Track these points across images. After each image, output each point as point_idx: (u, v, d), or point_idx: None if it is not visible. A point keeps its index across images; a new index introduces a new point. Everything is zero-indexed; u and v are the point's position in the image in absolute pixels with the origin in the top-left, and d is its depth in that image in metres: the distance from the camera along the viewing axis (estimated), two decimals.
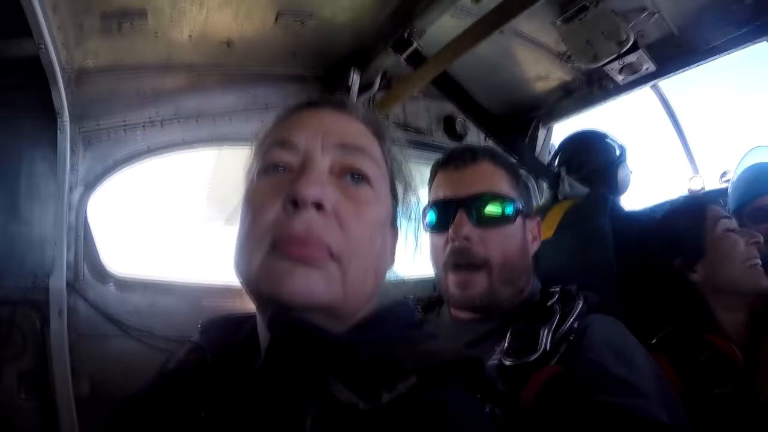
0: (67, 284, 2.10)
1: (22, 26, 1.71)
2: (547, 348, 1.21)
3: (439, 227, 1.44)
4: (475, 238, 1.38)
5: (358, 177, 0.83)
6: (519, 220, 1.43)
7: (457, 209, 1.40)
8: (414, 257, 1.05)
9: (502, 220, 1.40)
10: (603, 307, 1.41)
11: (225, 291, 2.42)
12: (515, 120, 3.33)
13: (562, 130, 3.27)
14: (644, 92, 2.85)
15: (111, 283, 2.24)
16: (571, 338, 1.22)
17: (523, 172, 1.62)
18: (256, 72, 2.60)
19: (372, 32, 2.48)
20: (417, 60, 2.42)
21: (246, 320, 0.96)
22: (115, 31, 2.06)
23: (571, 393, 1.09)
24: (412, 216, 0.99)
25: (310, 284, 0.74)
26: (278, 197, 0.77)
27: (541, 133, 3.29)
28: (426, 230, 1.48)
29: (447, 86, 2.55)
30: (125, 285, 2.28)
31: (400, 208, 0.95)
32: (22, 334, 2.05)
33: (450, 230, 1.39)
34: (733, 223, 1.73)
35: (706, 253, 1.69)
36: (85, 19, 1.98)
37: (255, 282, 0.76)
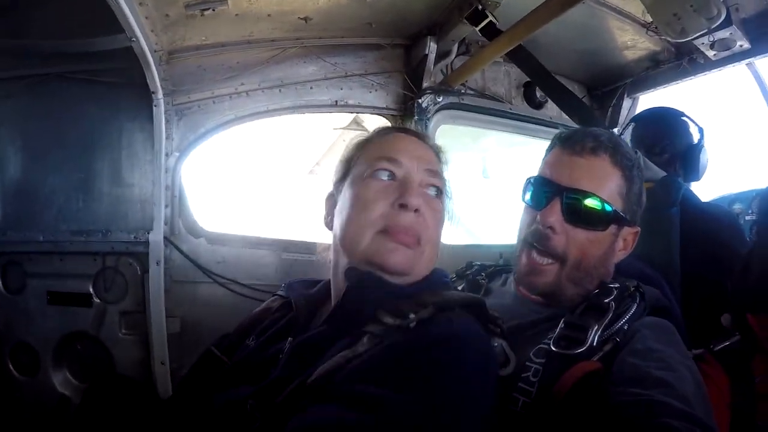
0: (164, 238, 2.26)
1: (115, 23, 1.82)
2: (594, 344, 1.18)
3: (532, 204, 1.40)
4: (559, 230, 1.33)
5: (436, 191, 1.21)
6: (612, 228, 1.36)
7: (554, 196, 1.33)
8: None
9: (594, 224, 1.33)
10: (660, 305, 1.34)
11: (302, 245, 2.51)
12: (599, 89, 3.07)
13: (648, 102, 2.95)
14: (739, 69, 2.46)
15: (202, 237, 2.38)
16: (618, 340, 1.19)
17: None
18: (335, 43, 2.55)
19: (446, 4, 2.34)
20: (492, 32, 2.25)
21: (316, 282, 1.36)
22: (199, 17, 2.08)
23: (608, 387, 1.08)
24: (454, 214, 1.32)
25: (406, 259, 1.12)
26: (387, 197, 1.13)
27: (626, 103, 3.01)
28: (522, 199, 1.45)
29: (522, 57, 2.35)
30: (215, 239, 2.40)
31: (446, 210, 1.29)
32: (124, 279, 2.25)
33: (539, 214, 1.34)
34: None
35: None
36: (170, 9, 2.02)
37: (365, 252, 1.12)
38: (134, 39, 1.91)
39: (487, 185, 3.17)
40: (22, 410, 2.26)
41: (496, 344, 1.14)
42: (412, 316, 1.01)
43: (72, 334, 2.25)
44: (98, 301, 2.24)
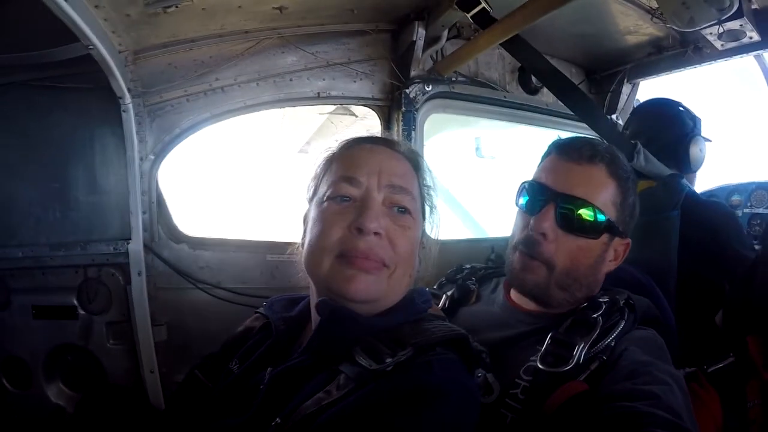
0: (145, 245, 2.16)
1: (70, 32, 1.66)
2: (580, 362, 1.16)
3: (526, 209, 1.36)
4: (551, 237, 1.29)
5: (402, 209, 1.10)
6: (604, 237, 1.32)
7: (549, 202, 1.30)
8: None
9: (585, 232, 1.30)
10: (651, 314, 1.32)
11: (287, 247, 2.38)
12: (598, 73, 2.87)
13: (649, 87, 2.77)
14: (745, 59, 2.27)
15: (184, 243, 2.29)
16: (604, 358, 1.16)
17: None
18: (315, 31, 2.33)
19: None
20: (485, 20, 2.04)
21: (299, 300, 1.28)
22: (162, 14, 1.88)
23: (597, 407, 1.06)
24: (439, 226, 1.25)
25: (368, 286, 1.03)
26: (345, 220, 1.05)
27: (626, 88, 2.82)
28: (516, 204, 1.41)
29: (516, 44, 2.14)
30: (196, 244, 2.31)
31: (426, 222, 1.21)
32: (108, 291, 2.18)
33: (531, 219, 1.31)
34: None
35: None
36: (130, 9, 1.82)
37: (325, 280, 1.05)
38: (92, 47, 1.75)
39: (481, 165, 3.03)
40: (17, 423, 2.25)
41: (479, 375, 1.12)
42: (389, 360, 0.96)
43: (62, 347, 2.20)
44: (83, 313, 2.18)
